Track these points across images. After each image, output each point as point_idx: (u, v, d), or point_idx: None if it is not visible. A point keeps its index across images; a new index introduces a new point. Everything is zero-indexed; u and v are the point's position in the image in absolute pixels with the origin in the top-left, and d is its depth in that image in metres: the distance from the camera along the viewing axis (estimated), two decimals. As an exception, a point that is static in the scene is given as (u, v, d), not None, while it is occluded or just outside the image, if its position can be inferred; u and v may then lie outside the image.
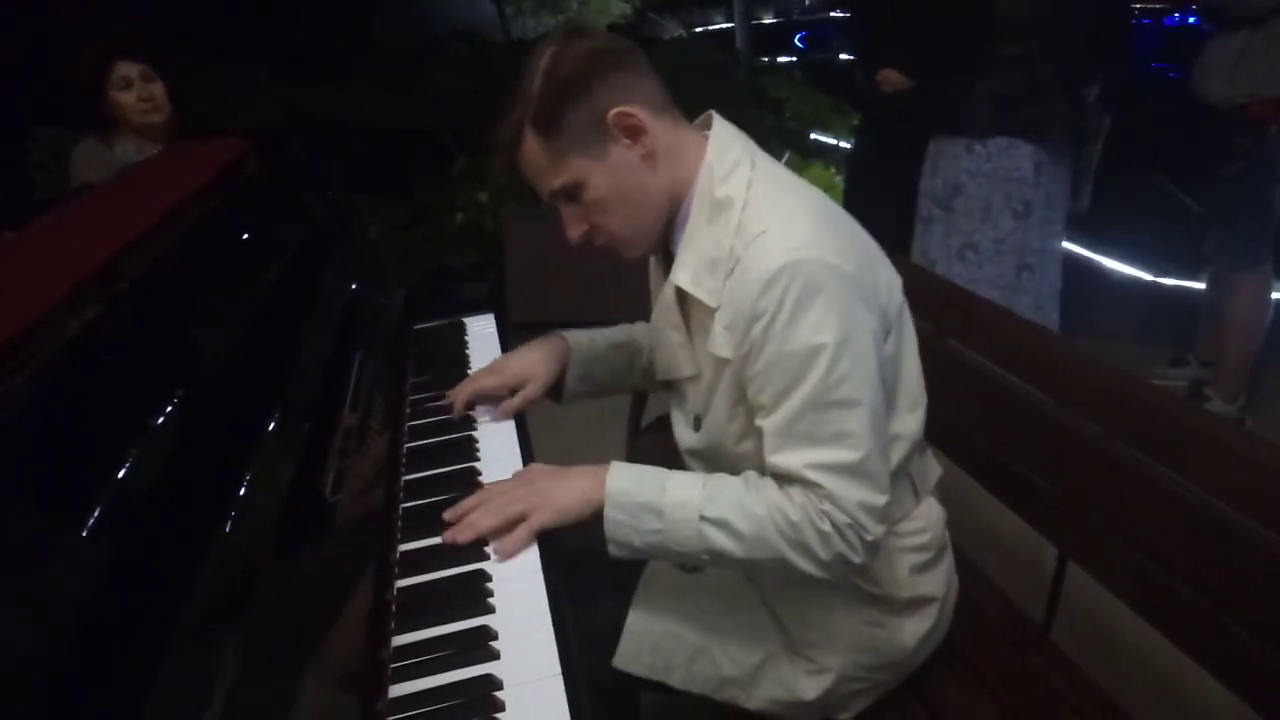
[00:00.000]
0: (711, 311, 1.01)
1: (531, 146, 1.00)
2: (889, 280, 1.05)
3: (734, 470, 1.08)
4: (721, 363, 1.02)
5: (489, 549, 0.98)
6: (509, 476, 1.08)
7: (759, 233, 0.97)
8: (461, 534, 0.98)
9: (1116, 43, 2.53)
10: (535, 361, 1.27)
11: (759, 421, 0.99)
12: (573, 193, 1.02)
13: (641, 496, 0.98)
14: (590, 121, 0.98)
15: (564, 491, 1.00)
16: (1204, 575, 1.08)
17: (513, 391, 1.27)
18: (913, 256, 2.69)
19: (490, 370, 1.28)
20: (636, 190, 1.02)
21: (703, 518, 0.96)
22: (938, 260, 2.59)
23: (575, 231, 1.06)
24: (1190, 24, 3.49)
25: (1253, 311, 2.65)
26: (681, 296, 1.06)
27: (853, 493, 0.94)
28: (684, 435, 1.16)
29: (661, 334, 1.13)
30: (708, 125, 1.07)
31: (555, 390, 1.31)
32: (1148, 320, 3.03)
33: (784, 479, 0.97)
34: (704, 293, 1.01)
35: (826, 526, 0.94)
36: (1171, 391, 1.86)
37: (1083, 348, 1.48)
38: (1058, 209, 2.53)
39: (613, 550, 1.00)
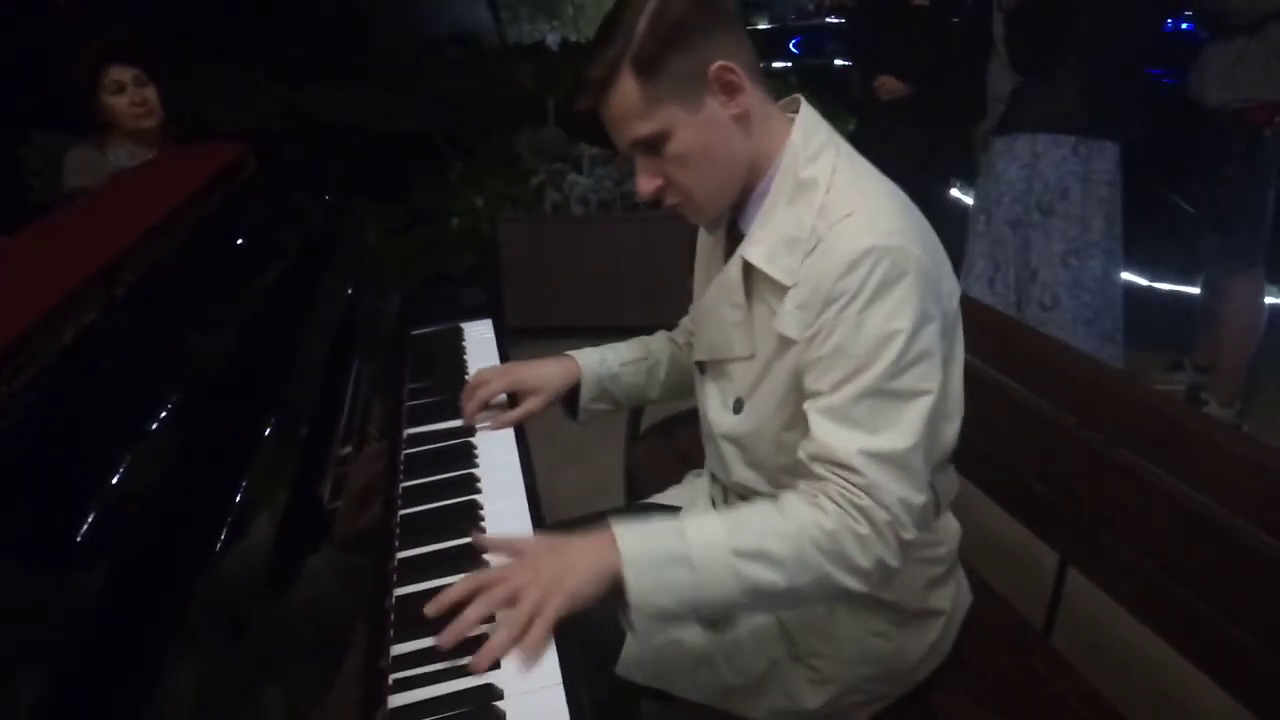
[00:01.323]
0: (782, 291, 0.99)
1: (626, 87, 0.96)
2: (950, 285, 1.04)
3: (769, 456, 1.07)
4: (785, 344, 1.00)
5: (506, 661, 0.84)
6: (500, 564, 0.93)
7: (845, 214, 0.95)
8: (481, 662, 0.82)
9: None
10: (547, 375, 1.27)
11: (807, 405, 0.96)
12: (656, 143, 0.98)
13: (663, 551, 0.88)
14: (692, 71, 0.96)
15: (574, 573, 0.87)
16: (1203, 579, 1.08)
17: (514, 401, 1.26)
18: (974, 269, 2.63)
19: (499, 373, 1.28)
20: (723, 149, 1.00)
21: (735, 552, 0.88)
22: (1038, 267, 2.51)
23: (649, 186, 1.02)
24: (1185, 29, 3.49)
25: (1248, 316, 2.66)
26: (747, 274, 1.04)
27: (895, 486, 0.91)
28: (720, 418, 1.12)
29: (714, 311, 1.09)
30: (792, 108, 1.06)
31: (571, 409, 1.31)
32: (1144, 325, 3.04)
33: (824, 463, 0.92)
34: (779, 271, 0.99)
35: (864, 529, 0.90)
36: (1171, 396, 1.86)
37: (1081, 353, 1.48)
38: (1119, 207, 2.53)
39: (634, 620, 0.88)
